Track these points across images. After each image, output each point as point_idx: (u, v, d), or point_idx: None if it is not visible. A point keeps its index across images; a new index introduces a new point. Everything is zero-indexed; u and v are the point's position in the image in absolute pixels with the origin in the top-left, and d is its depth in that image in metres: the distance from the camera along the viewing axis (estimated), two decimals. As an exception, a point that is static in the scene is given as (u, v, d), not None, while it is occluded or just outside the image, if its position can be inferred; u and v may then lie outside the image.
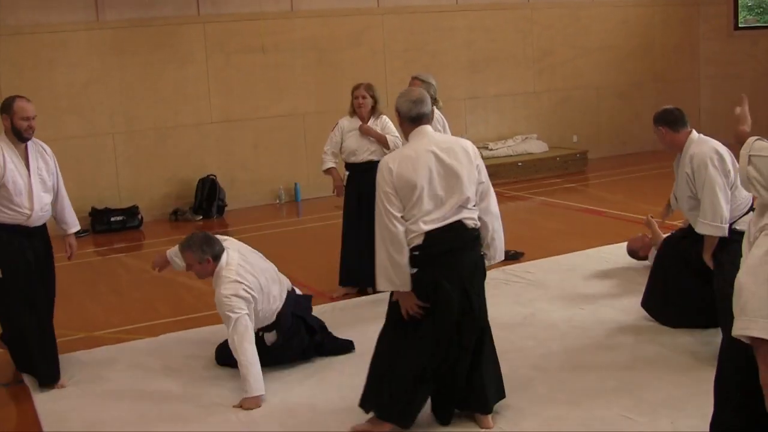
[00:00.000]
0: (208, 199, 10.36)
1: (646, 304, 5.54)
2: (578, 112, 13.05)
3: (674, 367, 4.70)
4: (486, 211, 4.08)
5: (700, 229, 4.89)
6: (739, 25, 13.96)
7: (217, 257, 4.84)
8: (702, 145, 4.96)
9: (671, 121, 5.03)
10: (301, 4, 11.08)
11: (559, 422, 4.18)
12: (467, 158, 4.00)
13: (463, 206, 3.95)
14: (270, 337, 5.06)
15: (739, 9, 13.98)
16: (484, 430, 4.12)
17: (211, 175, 10.54)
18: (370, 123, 6.54)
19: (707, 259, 4.93)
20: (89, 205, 9.90)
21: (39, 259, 5.07)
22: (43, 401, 4.79)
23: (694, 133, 5.04)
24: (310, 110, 10.99)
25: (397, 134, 6.49)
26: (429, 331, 3.97)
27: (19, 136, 4.92)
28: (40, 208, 5.01)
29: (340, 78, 10.78)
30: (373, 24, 11.53)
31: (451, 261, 3.94)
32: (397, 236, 3.86)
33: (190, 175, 10.42)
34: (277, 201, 11.05)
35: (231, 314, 4.65)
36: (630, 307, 5.80)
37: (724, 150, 4.93)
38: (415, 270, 3.92)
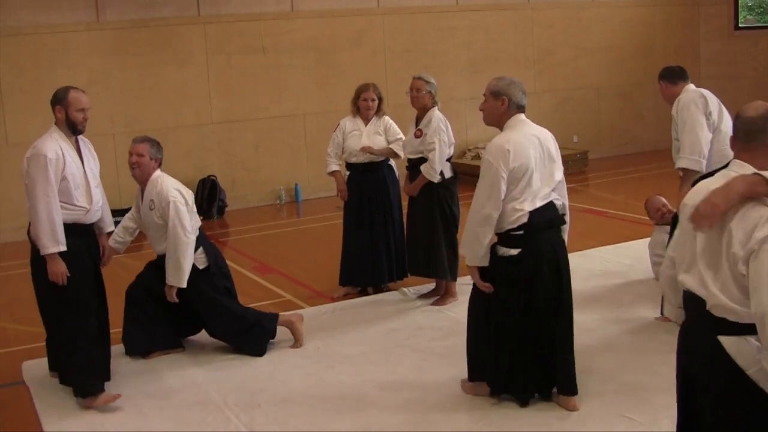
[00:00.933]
0: (208, 199, 10.36)
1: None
2: (579, 112, 13.04)
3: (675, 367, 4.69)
4: (563, 196, 4.44)
5: (679, 164, 5.19)
6: (740, 25, 13.95)
7: (160, 165, 5.23)
8: (691, 92, 5.37)
9: (669, 75, 5.54)
10: (302, 5, 11.08)
11: (560, 422, 4.18)
12: (555, 145, 4.49)
13: (554, 189, 4.31)
14: (201, 259, 5.21)
15: (740, 9, 13.97)
16: (569, 411, 4.25)
17: (212, 175, 10.54)
18: (373, 123, 6.51)
19: (682, 196, 5.03)
20: (90, 205, 9.89)
21: (93, 261, 4.87)
22: (44, 401, 4.79)
23: (691, 85, 5.44)
24: (310, 111, 10.99)
25: (401, 135, 6.48)
26: (528, 310, 4.20)
27: (73, 129, 4.86)
28: (96, 202, 4.80)
29: (341, 78, 10.79)
30: (374, 24, 11.53)
31: (548, 238, 4.20)
32: (492, 219, 4.14)
33: (190, 175, 10.41)
34: (278, 201, 11.05)
35: (180, 205, 5.04)
36: (630, 307, 5.80)
37: (710, 95, 5.24)
38: (517, 251, 4.15)
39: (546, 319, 4.20)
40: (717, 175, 2.81)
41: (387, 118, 6.57)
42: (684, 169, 5.19)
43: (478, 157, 11.94)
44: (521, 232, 4.15)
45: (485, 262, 4.22)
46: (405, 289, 6.56)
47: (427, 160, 6.07)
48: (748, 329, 2.58)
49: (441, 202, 6.11)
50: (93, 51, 9.92)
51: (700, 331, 2.73)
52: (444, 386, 4.66)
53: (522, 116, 4.38)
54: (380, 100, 6.57)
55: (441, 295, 6.29)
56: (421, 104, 6.13)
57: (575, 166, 12.12)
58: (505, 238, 4.20)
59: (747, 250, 2.57)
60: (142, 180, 5.22)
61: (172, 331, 5.47)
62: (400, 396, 4.61)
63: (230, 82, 10.69)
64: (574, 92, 13.08)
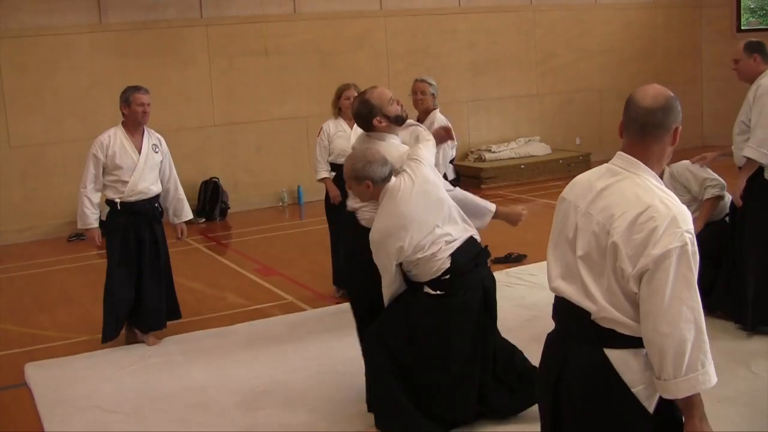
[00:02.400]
0: (211, 201, 10.36)
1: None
2: (581, 114, 13.04)
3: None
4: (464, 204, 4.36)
5: (745, 152, 5.01)
6: (742, 28, 13.94)
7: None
8: None
9: (761, 50, 5.16)
10: (304, 7, 11.08)
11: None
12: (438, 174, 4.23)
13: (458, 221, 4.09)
14: None
15: (742, 11, 13.95)
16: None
17: (214, 177, 10.55)
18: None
19: (736, 197, 5.11)
20: (92, 207, 9.90)
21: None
22: (46, 403, 4.79)
23: None
24: (312, 113, 10.98)
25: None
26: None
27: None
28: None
29: (343, 80, 10.60)
30: (376, 26, 11.53)
31: (476, 277, 4.02)
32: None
33: (193, 177, 10.41)
34: (280, 203, 11.05)
35: None
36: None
37: None
38: (441, 293, 3.95)
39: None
40: (602, 168, 2.51)
41: None
42: (748, 159, 5.08)
43: (480, 159, 11.95)
44: (447, 276, 3.95)
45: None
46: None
47: (429, 163, 6.05)
48: (639, 342, 2.32)
49: (443, 204, 6.10)
50: (95, 53, 9.93)
51: (580, 343, 2.42)
52: (446, 388, 4.65)
53: (391, 182, 3.95)
54: None
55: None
56: (425, 107, 6.13)
57: (577, 168, 12.11)
58: (433, 283, 3.98)
59: (639, 269, 2.26)
60: (144, 125, 5.66)
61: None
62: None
63: (232, 84, 10.70)
64: (577, 94, 13.08)
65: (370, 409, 4.22)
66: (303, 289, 6.93)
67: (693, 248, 2.27)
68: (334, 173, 6.58)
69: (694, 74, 14.07)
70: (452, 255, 3.94)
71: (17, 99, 9.55)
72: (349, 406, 4.53)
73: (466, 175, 10.77)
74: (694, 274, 2.27)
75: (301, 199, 11.10)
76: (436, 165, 6.16)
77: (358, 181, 3.97)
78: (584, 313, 2.38)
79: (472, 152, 12.15)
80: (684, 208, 2.32)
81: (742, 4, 13.90)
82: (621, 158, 2.46)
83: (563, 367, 2.45)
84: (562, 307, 2.50)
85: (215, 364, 5.28)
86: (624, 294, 2.31)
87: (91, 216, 5.53)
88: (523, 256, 7.36)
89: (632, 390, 2.34)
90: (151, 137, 5.64)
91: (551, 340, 2.58)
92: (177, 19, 10.34)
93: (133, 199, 5.53)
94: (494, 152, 11.99)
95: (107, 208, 5.63)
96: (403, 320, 4.02)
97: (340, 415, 4.44)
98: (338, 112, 6.58)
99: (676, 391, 2.27)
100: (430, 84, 6.12)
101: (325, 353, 5.37)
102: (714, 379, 2.28)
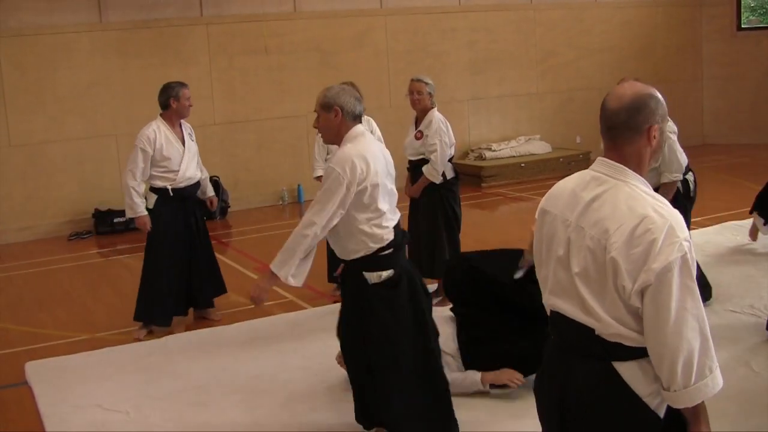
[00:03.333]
0: (211, 200, 10.36)
1: None
2: (581, 112, 13.02)
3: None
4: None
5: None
6: (742, 26, 13.94)
7: None
8: None
9: None
10: (304, 6, 11.08)
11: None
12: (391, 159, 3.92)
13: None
14: None
15: (742, 10, 13.95)
16: None
17: (214, 176, 10.53)
18: None
19: None
20: (92, 206, 9.91)
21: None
22: (47, 402, 4.79)
23: None
24: (312, 111, 10.98)
25: (379, 135, 6.50)
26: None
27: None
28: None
29: (343, 79, 10.56)
30: (376, 25, 11.53)
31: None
32: (318, 236, 3.70)
33: (193, 176, 10.42)
34: (280, 202, 11.05)
35: None
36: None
37: None
38: (390, 272, 3.74)
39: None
40: (585, 176, 2.42)
41: (371, 121, 6.55)
42: None
43: (480, 157, 11.96)
44: (390, 250, 3.73)
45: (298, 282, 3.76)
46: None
47: (427, 162, 6.07)
48: (645, 352, 2.27)
49: (443, 203, 6.12)
50: (95, 52, 9.93)
51: (585, 358, 2.35)
52: (447, 387, 4.65)
53: (360, 128, 3.76)
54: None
55: (444, 296, 6.29)
56: (422, 106, 6.13)
57: (578, 166, 12.08)
58: (373, 260, 3.72)
59: (640, 284, 2.20)
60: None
61: None
62: (402, 397, 4.61)
63: (233, 83, 10.70)
64: (577, 93, 13.07)
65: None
66: (303, 288, 6.92)
67: (691, 254, 2.21)
68: None
69: (695, 73, 14.06)
70: (394, 228, 3.75)
71: (17, 98, 9.55)
72: (350, 406, 4.53)
73: (466, 174, 10.77)
74: (694, 280, 2.22)
75: (302, 198, 11.10)
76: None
77: (327, 108, 3.72)
78: (586, 329, 2.32)
79: (472, 151, 12.16)
80: (677, 213, 2.25)
81: (742, 2, 13.90)
82: (603, 164, 2.37)
83: (567, 382, 2.39)
84: (561, 321, 2.41)
85: (215, 363, 5.28)
86: (626, 308, 2.25)
87: (141, 204, 5.86)
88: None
89: (642, 399, 2.30)
90: (186, 127, 6.10)
91: (551, 354, 2.50)
92: (177, 18, 10.34)
93: (182, 185, 5.96)
94: (494, 151, 11.99)
95: (153, 197, 5.97)
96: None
97: (340, 414, 4.45)
98: None
99: (688, 401, 2.25)
100: (427, 83, 6.12)
101: (325, 352, 5.36)
102: (721, 382, 2.27)
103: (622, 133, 2.29)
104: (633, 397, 2.30)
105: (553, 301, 2.42)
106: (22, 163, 9.67)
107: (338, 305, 6.29)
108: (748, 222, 7.15)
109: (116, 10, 10.01)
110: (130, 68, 10.07)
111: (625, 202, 2.26)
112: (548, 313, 2.49)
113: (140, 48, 10.11)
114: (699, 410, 2.29)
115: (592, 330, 2.30)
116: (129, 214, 5.98)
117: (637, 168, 2.32)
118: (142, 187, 5.95)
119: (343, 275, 3.96)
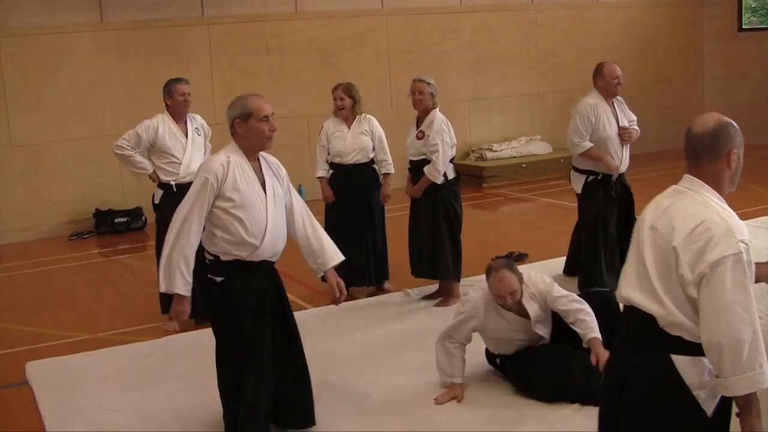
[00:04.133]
0: (212, 200, 10.36)
1: None
2: (582, 113, 13.02)
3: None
4: None
5: None
6: (743, 27, 13.94)
7: None
8: None
9: None
10: (305, 6, 11.08)
11: (563, 423, 4.17)
12: None
13: None
14: None
15: (743, 10, 13.95)
16: None
17: (215, 176, 10.54)
18: (355, 124, 6.53)
19: None
20: (93, 206, 9.91)
21: None
22: (48, 402, 4.79)
23: None
24: (313, 112, 10.97)
25: (387, 155, 6.51)
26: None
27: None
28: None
29: (344, 79, 10.55)
30: (377, 25, 11.53)
31: None
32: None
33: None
34: (281, 202, 11.04)
35: None
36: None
37: None
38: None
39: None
40: (670, 189, 2.70)
41: (371, 118, 6.56)
42: None
43: (481, 158, 11.95)
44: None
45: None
46: (408, 291, 6.55)
47: (429, 162, 6.07)
48: (701, 350, 2.50)
49: (445, 203, 6.12)
50: (96, 52, 9.93)
51: (647, 349, 2.60)
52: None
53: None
54: (356, 101, 6.55)
55: (445, 297, 6.29)
56: (423, 106, 6.13)
57: (578, 167, 12.12)
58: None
59: (697, 274, 2.47)
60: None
61: None
62: (403, 397, 4.61)
63: (234, 83, 10.69)
64: (578, 93, 12.95)
65: None
66: (304, 288, 6.93)
67: (748, 257, 2.46)
68: (331, 171, 6.61)
69: (695, 73, 14.05)
70: None
71: (18, 98, 9.55)
72: (350, 405, 4.53)
73: (467, 174, 10.76)
74: (749, 280, 2.45)
75: (303, 198, 11.08)
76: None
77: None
78: (653, 320, 2.57)
79: (473, 151, 12.15)
80: (740, 222, 2.52)
81: (743, 3, 13.89)
82: (686, 180, 2.66)
83: (627, 371, 2.65)
84: (632, 316, 2.67)
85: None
86: (687, 299, 2.50)
87: (145, 162, 6.04)
88: (525, 255, 7.36)
89: (693, 392, 2.54)
90: (194, 122, 6.17)
91: (616, 348, 2.82)
92: (178, 18, 10.34)
93: (187, 180, 5.78)
94: (495, 151, 11.99)
95: (160, 192, 6.03)
96: None
97: (341, 414, 4.44)
98: (335, 111, 6.61)
99: (735, 389, 2.44)
100: (429, 83, 6.12)
101: (326, 352, 5.37)
102: None
103: (704, 155, 2.60)
104: (684, 390, 2.54)
105: (627, 293, 2.67)
106: (23, 163, 9.67)
107: (338, 305, 6.32)
108: (749, 222, 7.14)
109: (117, 10, 10.01)
110: (132, 68, 10.07)
111: (694, 208, 2.57)
112: (622, 309, 2.79)
113: (141, 48, 10.11)
114: (751, 402, 2.48)
115: (656, 322, 2.56)
116: (140, 173, 6.05)
117: (716, 185, 2.62)
118: (137, 155, 6.02)
119: None
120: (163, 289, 3.85)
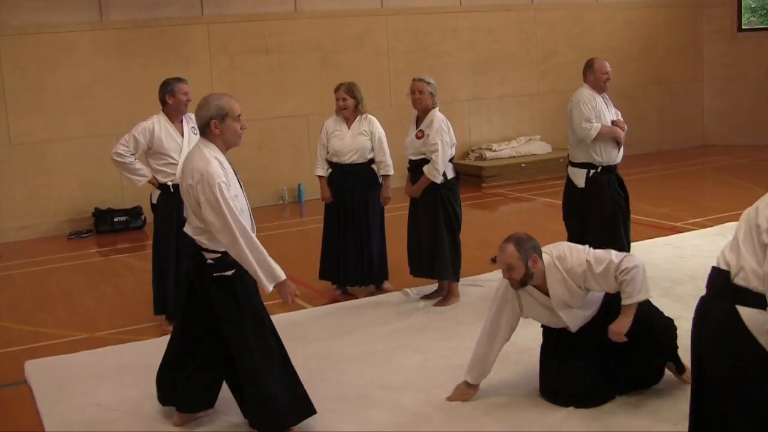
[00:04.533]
0: (211, 199, 10.36)
1: None
2: (582, 113, 13.03)
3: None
4: None
5: None
6: (743, 27, 13.94)
7: None
8: None
9: None
10: (305, 5, 11.08)
11: (563, 423, 4.17)
12: None
13: None
14: None
15: (743, 11, 13.95)
16: None
17: (215, 175, 10.53)
18: (355, 124, 6.52)
19: None
20: (92, 205, 9.91)
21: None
22: (46, 401, 4.79)
23: None
24: (313, 111, 10.98)
25: (387, 155, 6.51)
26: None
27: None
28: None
29: (344, 79, 10.54)
30: (377, 25, 11.53)
31: None
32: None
33: (193, 175, 10.41)
34: (281, 202, 11.05)
35: None
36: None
37: None
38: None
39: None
40: None
41: (371, 118, 6.55)
42: None
43: (481, 157, 11.95)
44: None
45: None
46: (407, 290, 6.55)
47: (428, 162, 6.07)
48: (764, 302, 2.79)
49: (444, 202, 6.12)
50: (96, 51, 9.93)
51: (719, 301, 2.93)
52: (447, 387, 4.64)
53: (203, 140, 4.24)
54: (358, 101, 6.54)
55: (444, 296, 6.29)
56: (423, 106, 6.13)
57: (578, 167, 12.11)
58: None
59: None
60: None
61: None
62: (402, 397, 4.61)
63: (233, 83, 10.68)
64: (578, 93, 13.05)
65: None
66: (303, 287, 6.93)
67: None
68: (330, 170, 6.61)
69: (695, 73, 14.05)
70: None
71: (18, 96, 9.55)
72: (350, 405, 4.53)
73: (467, 174, 10.77)
74: None
75: (302, 197, 11.11)
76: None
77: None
78: (726, 276, 2.91)
79: (472, 151, 12.15)
80: None
81: (743, 3, 13.90)
82: None
83: (704, 320, 3.00)
84: (713, 275, 3.01)
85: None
86: (760, 246, 2.84)
87: (144, 168, 5.99)
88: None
89: (758, 340, 2.81)
90: (190, 121, 6.05)
91: (699, 302, 3.09)
92: (178, 17, 10.34)
93: None
94: (495, 151, 11.99)
95: (157, 193, 5.99)
96: None
97: (340, 414, 4.44)
98: (337, 111, 6.62)
99: None
100: (428, 83, 6.12)
101: (326, 352, 5.38)
102: None
103: None
104: (749, 336, 2.83)
105: (721, 254, 3.00)
106: (22, 162, 9.67)
107: (338, 305, 6.32)
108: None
109: (117, 9, 10.01)
110: (131, 67, 10.07)
111: None
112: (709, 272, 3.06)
113: (141, 47, 10.11)
114: None
115: (729, 275, 2.90)
116: (139, 181, 6.01)
117: None
118: (137, 162, 5.97)
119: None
120: (271, 286, 4.03)
